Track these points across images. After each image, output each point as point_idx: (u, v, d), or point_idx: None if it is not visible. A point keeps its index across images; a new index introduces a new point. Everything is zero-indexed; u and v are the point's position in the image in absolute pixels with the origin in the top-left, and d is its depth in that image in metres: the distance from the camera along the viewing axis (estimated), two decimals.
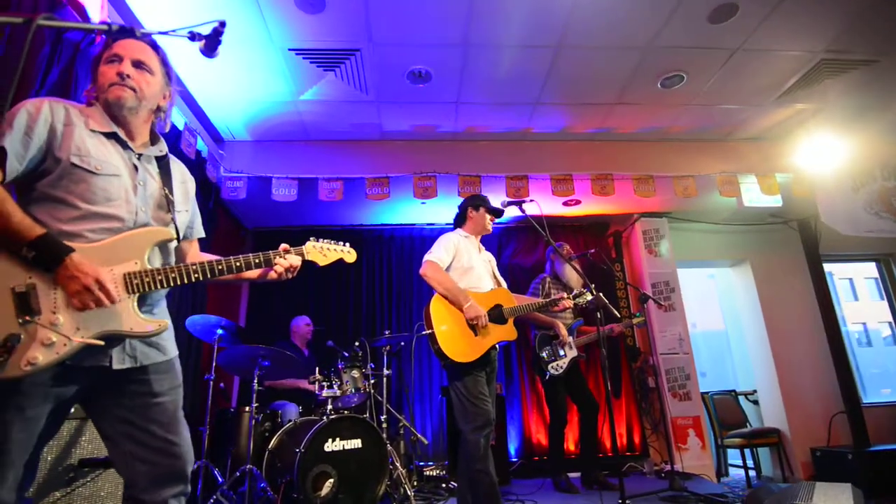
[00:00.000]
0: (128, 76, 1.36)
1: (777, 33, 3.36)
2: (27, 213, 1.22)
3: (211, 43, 1.28)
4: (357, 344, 3.81)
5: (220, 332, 3.38)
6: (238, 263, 1.47)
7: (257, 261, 1.51)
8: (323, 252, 1.69)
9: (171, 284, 1.35)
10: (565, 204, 5.00)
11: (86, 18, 2.47)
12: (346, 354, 3.69)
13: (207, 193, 4.08)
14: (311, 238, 1.69)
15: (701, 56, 3.57)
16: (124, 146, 1.39)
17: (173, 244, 1.46)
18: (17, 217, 1.16)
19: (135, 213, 1.35)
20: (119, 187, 1.33)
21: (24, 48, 0.76)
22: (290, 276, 1.59)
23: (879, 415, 5.10)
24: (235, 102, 3.88)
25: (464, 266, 2.67)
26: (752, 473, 4.66)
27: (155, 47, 1.44)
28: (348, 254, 1.76)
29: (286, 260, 1.56)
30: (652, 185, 4.51)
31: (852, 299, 18.40)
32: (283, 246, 1.59)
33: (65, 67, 2.43)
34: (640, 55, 3.53)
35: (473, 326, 2.51)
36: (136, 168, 1.40)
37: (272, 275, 1.58)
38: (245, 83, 3.65)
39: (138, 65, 1.39)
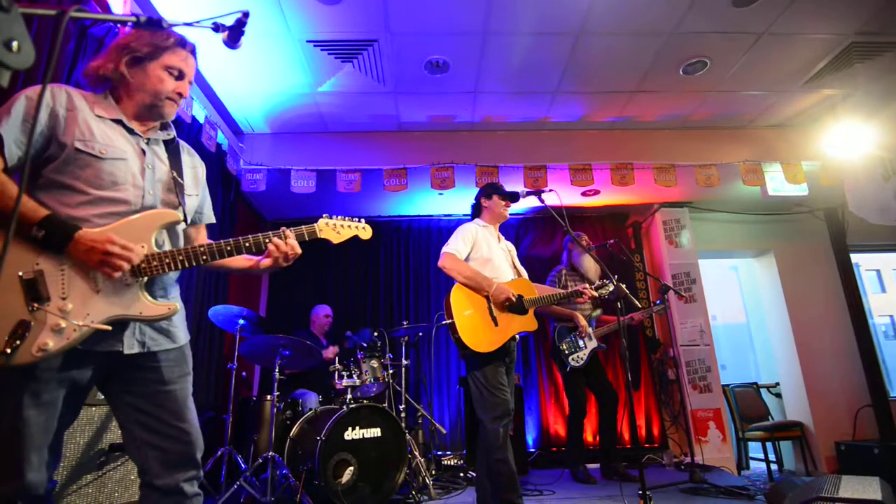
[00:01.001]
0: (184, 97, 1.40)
1: (805, 16, 3.25)
2: (35, 199, 1.22)
3: (234, 34, 1.28)
4: (376, 334, 3.84)
5: (241, 322, 3.44)
6: (248, 244, 1.43)
7: (266, 240, 1.45)
8: (336, 229, 1.61)
9: (180, 267, 1.34)
10: (584, 194, 4.95)
11: (107, 11, 2.51)
12: (365, 345, 3.72)
13: (228, 186, 4.13)
14: (325, 215, 1.61)
15: (725, 41, 3.47)
16: (130, 132, 1.39)
17: (182, 227, 1.45)
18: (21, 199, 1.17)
19: (142, 196, 1.34)
20: (126, 171, 1.32)
21: (53, 42, 0.78)
22: (285, 264, 1.49)
23: None
24: (254, 95, 3.91)
25: (483, 256, 2.64)
26: (773, 467, 4.60)
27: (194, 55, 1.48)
28: (363, 230, 1.67)
29: (286, 244, 1.45)
30: (673, 174, 4.43)
31: (879, 291, 17.93)
32: (283, 229, 1.48)
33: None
34: (661, 41, 3.45)
35: (494, 316, 2.51)
36: (143, 152, 1.39)
37: (265, 262, 1.49)
38: (264, 76, 3.67)
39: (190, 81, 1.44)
